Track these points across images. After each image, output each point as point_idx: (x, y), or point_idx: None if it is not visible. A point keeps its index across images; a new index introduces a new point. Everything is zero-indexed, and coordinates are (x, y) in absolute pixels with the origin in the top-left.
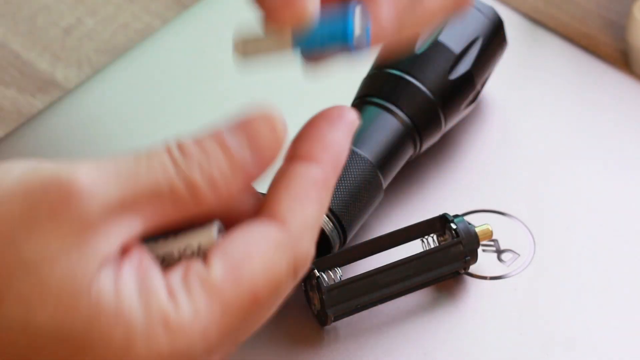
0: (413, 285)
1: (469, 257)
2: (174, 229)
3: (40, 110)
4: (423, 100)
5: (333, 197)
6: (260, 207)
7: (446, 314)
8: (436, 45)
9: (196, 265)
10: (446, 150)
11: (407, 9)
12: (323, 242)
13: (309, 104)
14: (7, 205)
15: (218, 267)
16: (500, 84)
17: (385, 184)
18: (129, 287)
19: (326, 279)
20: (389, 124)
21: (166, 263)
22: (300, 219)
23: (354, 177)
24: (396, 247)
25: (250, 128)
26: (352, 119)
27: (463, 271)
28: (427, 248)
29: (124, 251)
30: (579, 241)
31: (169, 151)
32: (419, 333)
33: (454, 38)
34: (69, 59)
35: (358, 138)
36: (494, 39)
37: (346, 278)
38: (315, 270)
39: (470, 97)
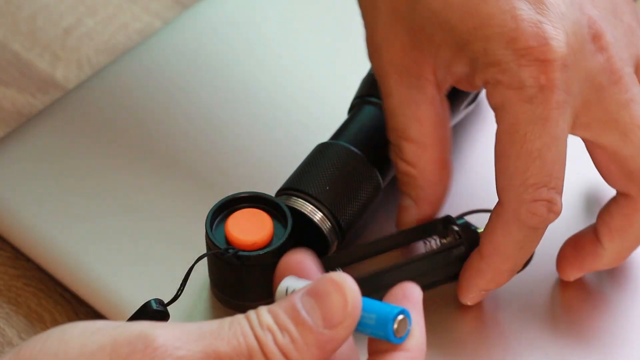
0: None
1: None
2: None
3: (40, 110)
4: None
5: (331, 196)
6: None
7: (446, 314)
8: None
9: None
10: None
11: None
12: (320, 242)
13: (309, 104)
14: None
15: None
16: None
17: (383, 184)
18: None
19: None
20: None
21: None
22: None
23: (352, 177)
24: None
25: (322, 296)
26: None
27: None
28: (429, 249)
29: None
30: None
31: (248, 318)
32: None
33: None
34: (69, 59)
35: (356, 137)
36: None
37: None
38: None
39: (470, 97)
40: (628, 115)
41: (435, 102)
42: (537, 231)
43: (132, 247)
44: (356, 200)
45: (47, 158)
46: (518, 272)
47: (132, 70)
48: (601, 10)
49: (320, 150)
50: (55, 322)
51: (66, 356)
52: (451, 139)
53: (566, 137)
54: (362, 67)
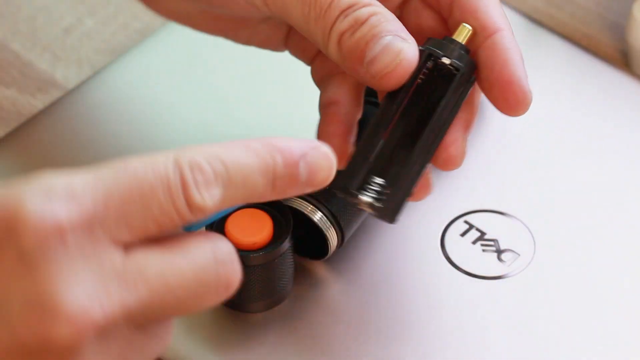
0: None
1: (474, 78)
2: None
3: (40, 110)
4: None
5: (331, 196)
6: None
7: (446, 314)
8: None
9: None
10: None
11: None
12: (320, 243)
13: (309, 104)
14: None
15: None
16: None
17: None
18: None
19: None
20: None
21: None
22: None
23: None
24: (390, 259)
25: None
26: None
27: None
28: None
29: None
30: (579, 241)
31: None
32: (418, 333)
33: None
34: (68, 59)
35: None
36: None
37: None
38: None
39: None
40: None
41: None
42: None
43: None
44: None
45: (47, 158)
46: None
47: (132, 70)
48: None
49: None
50: None
51: None
52: None
53: None
54: None
